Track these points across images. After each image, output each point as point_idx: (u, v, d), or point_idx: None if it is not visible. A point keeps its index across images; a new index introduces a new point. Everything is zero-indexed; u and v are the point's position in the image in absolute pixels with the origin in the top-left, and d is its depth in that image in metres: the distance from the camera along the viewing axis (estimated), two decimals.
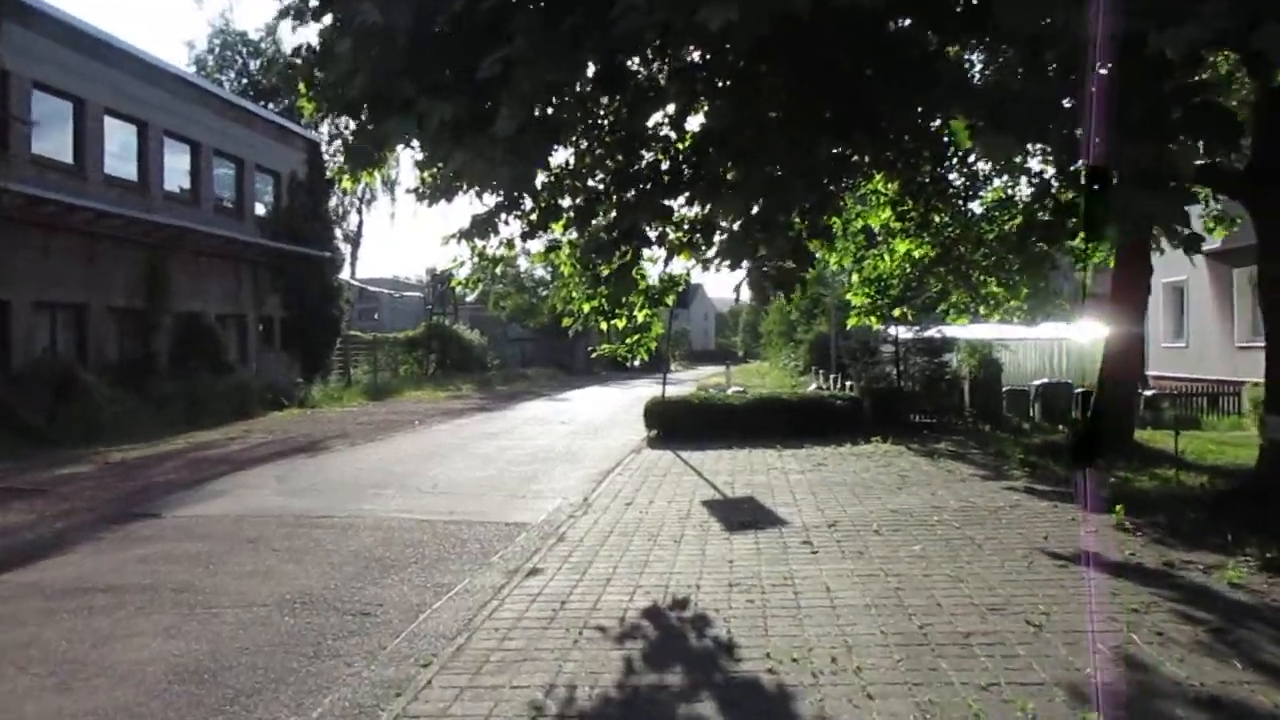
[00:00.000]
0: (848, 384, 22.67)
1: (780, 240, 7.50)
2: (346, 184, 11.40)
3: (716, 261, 8.33)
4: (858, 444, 16.76)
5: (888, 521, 9.83)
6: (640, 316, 12.48)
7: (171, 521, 10.76)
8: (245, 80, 48.39)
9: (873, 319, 16.70)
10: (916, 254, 15.24)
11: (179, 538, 9.82)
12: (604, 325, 12.03)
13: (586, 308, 11.83)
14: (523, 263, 61.20)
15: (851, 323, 17.51)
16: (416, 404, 31.05)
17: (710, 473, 13.81)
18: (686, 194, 8.38)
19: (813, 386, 28.24)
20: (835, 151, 7.85)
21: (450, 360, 47.87)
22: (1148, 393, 20.66)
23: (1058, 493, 11.32)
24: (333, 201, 40.12)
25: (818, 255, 15.79)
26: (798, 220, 7.99)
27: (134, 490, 12.93)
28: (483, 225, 10.97)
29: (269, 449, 17.56)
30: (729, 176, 7.72)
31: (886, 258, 15.96)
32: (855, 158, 8.66)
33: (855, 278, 16.62)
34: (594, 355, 13.48)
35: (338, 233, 42.37)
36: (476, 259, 11.32)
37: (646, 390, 31.55)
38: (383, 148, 7.87)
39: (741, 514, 10.53)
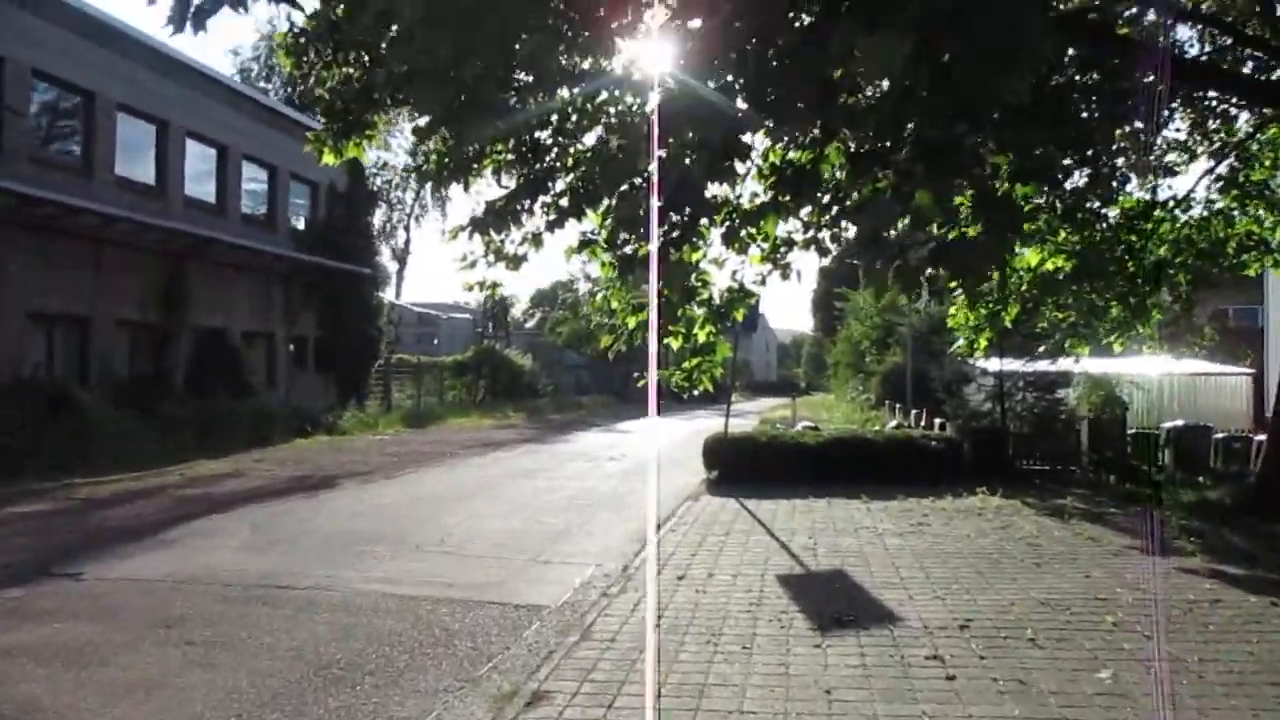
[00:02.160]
0: (936, 421, 19.76)
1: (974, 171, 4.55)
2: (327, 158, 9.07)
3: (847, 231, 5.56)
4: (960, 496, 13.89)
5: (1042, 622, 7.03)
6: (701, 336, 9.85)
7: (89, 586, 8.32)
8: (290, 89, 46.52)
9: (982, 340, 13.76)
10: (1038, 262, 12.36)
11: (79, 615, 7.36)
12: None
13: (632, 322, 9.22)
14: (582, 287, 59.02)
15: (958, 341, 14.54)
16: (457, 433, 28.67)
17: (784, 531, 11.10)
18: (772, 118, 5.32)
19: (892, 424, 25.27)
20: None
21: (500, 386, 45.56)
22: None
23: (1263, 580, 8.41)
24: (379, 218, 38.02)
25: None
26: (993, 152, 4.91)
27: (75, 538, 10.56)
28: (499, 215, 8.48)
29: (268, 485, 15.18)
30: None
31: (1007, 269, 13.10)
32: None
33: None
34: (641, 384, 10.78)
35: (384, 250, 40.26)
36: (492, 258, 8.80)
37: (706, 423, 28.83)
38: None
39: (832, 600, 7.80)
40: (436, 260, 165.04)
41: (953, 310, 13.64)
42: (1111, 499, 13.63)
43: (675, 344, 9.44)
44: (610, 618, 7.30)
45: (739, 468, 15.81)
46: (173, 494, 13.96)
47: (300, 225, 29.22)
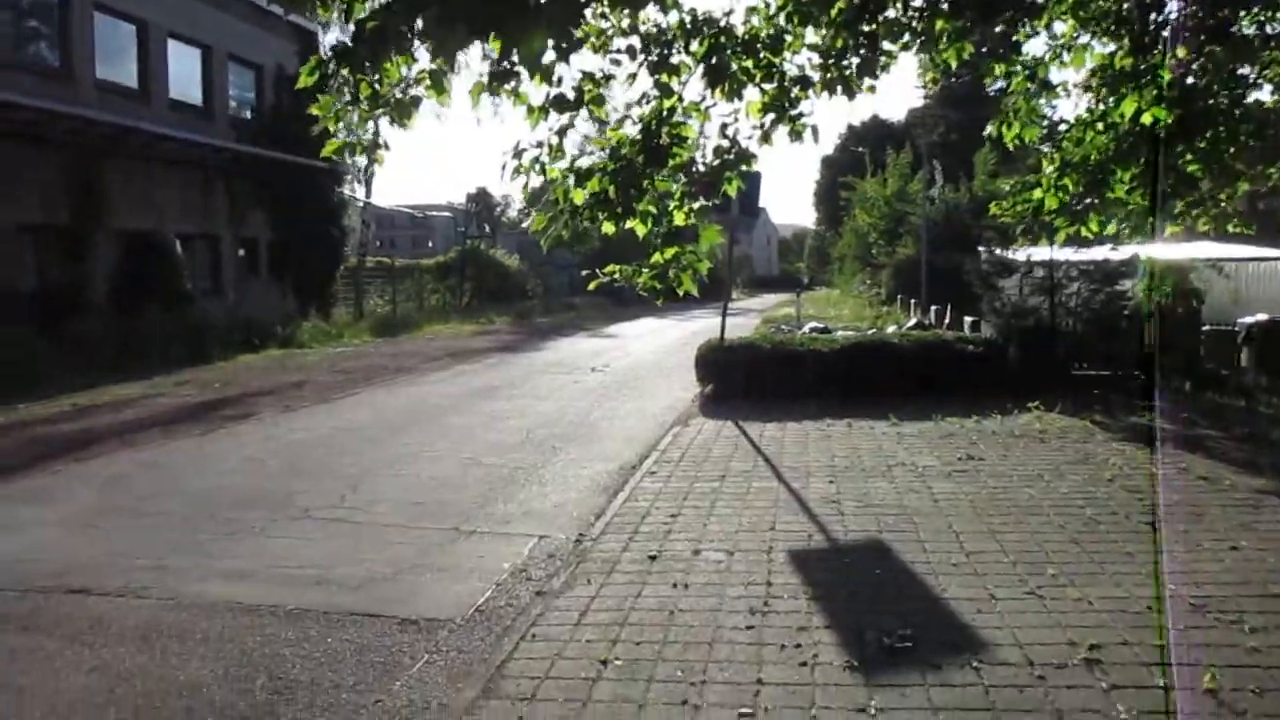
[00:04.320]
0: (965, 319, 17.07)
1: None
2: None
3: None
4: (1010, 414, 11.31)
5: (1217, 648, 4.46)
6: (679, 217, 7.12)
7: None
8: None
9: (1093, 224, 10.77)
10: (1133, 113, 9.43)
11: None
12: (610, 229, 6.73)
13: (579, 197, 6.48)
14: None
15: (1011, 221, 11.48)
16: (429, 341, 26.01)
17: (795, 471, 8.53)
18: None
19: (910, 322, 22.62)
20: None
21: (486, 289, 42.70)
22: None
23: None
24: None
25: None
26: None
27: None
28: (374, 42, 5.69)
29: (167, 415, 12.57)
30: None
31: (1099, 125, 10.15)
32: None
33: (1049, 163, 10.81)
34: (592, 286, 8.03)
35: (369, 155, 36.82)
36: (366, 106, 6.03)
37: (706, 323, 26.22)
38: None
39: (874, 602, 5.22)
40: (426, 156, 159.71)
41: (1038, 191, 10.69)
42: (1200, 415, 11.01)
43: (641, 229, 6.70)
44: (537, 644, 4.75)
45: (739, 380, 13.23)
46: (34, 433, 11.34)
47: (247, 114, 26.13)
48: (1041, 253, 13.83)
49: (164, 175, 21.91)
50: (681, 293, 7.80)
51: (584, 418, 12.27)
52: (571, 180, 6.50)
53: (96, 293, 19.40)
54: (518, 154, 6.35)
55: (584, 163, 6.58)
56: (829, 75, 6.74)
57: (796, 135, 7.17)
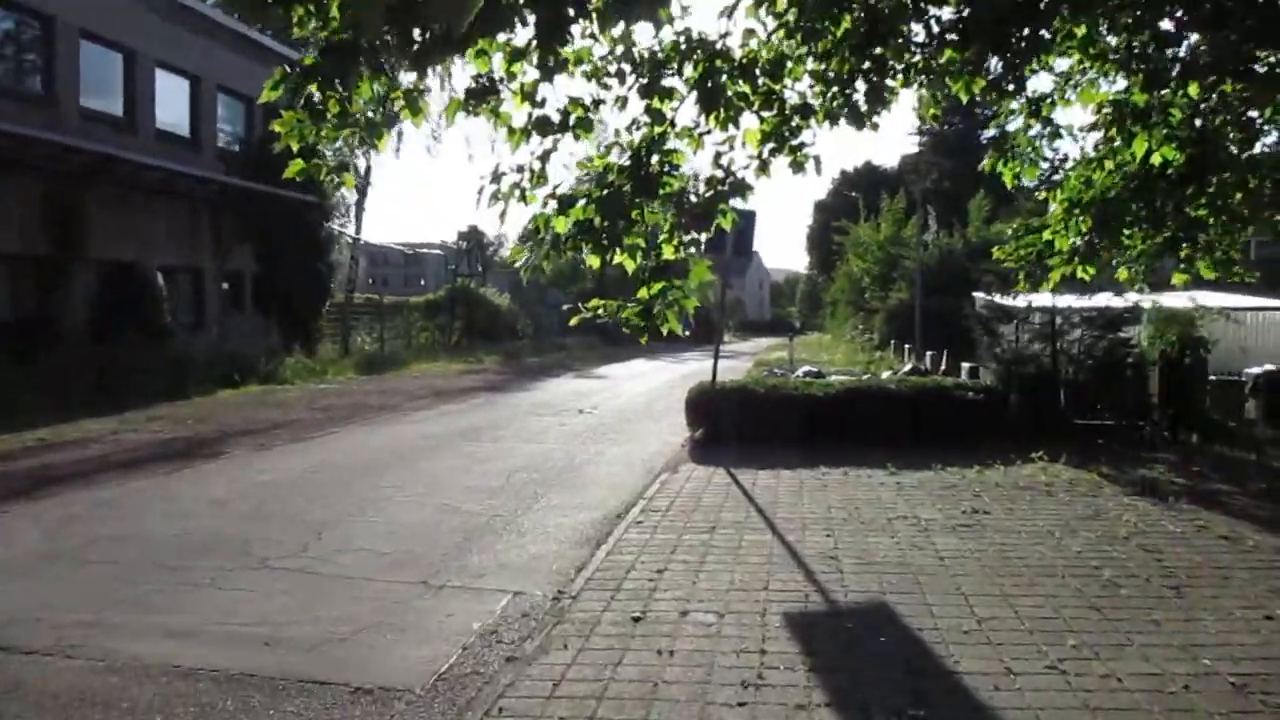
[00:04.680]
0: (963, 365, 16.63)
1: None
2: None
3: None
4: (1011, 463, 10.85)
5: None
6: (668, 250, 6.68)
7: None
8: None
9: (1090, 266, 10.39)
10: (1144, 154, 9.04)
11: None
12: (594, 262, 6.30)
13: (561, 226, 6.04)
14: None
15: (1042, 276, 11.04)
16: (415, 380, 25.46)
17: (790, 524, 8.03)
18: None
19: (905, 368, 22.17)
20: None
21: (476, 328, 42.24)
22: None
23: None
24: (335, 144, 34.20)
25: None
26: None
27: None
28: (342, 57, 5.29)
29: (134, 454, 12.02)
30: None
31: (1109, 163, 9.77)
32: None
33: (1057, 202, 10.43)
34: (572, 322, 7.56)
35: (338, 178, 36.50)
36: (334, 124, 5.59)
37: (698, 365, 25.86)
38: None
39: (880, 674, 4.72)
40: (418, 194, 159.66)
41: (1047, 232, 10.35)
42: (1212, 469, 10.56)
43: (630, 264, 6.26)
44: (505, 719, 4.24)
45: (731, 425, 12.75)
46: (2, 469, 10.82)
47: (235, 147, 25.79)
48: (1042, 298, 13.45)
49: (148, 206, 21.48)
50: (665, 331, 7.35)
51: (569, 462, 11.76)
52: (554, 207, 6.08)
53: (74, 323, 18.88)
54: (496, 178, 5.91)
55: (568, 190, 6.16)
56: (834, 104, 6.36)
57: (798, 166, 6.77)
